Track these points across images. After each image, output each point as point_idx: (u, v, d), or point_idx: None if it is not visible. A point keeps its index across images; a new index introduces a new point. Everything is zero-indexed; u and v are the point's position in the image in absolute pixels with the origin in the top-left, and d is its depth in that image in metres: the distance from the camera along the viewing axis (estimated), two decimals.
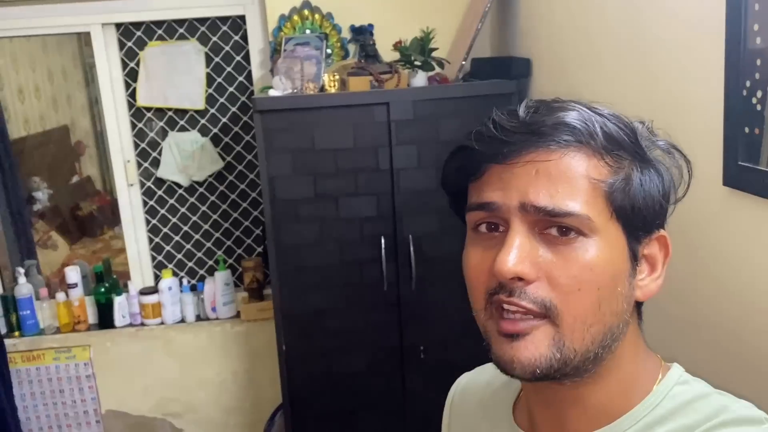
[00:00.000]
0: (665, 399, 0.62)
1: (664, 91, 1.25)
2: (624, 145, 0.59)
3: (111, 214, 3.94)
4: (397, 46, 2.08)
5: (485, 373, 0.82)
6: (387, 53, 2.16)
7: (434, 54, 2.05)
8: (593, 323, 0.58)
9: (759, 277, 1.01)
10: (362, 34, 2.24)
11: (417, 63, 2.04)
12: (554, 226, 0.57)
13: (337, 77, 2.00)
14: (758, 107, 0.96)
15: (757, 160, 0.98)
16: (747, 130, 0.99)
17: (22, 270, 2.49)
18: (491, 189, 0.60)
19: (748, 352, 1.06)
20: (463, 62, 2.04)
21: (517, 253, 0.57)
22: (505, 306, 0.58)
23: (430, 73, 2.07)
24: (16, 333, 2.49)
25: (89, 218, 4.20)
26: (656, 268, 0.63)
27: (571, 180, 0.57)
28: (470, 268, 0.62)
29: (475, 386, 0.82)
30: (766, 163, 0.96)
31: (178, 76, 2.43)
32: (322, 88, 2.02)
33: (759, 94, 0.96)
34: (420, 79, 2.04)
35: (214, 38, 2.45)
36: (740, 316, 1.07)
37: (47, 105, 4.32)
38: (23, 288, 2.46)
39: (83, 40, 4.10)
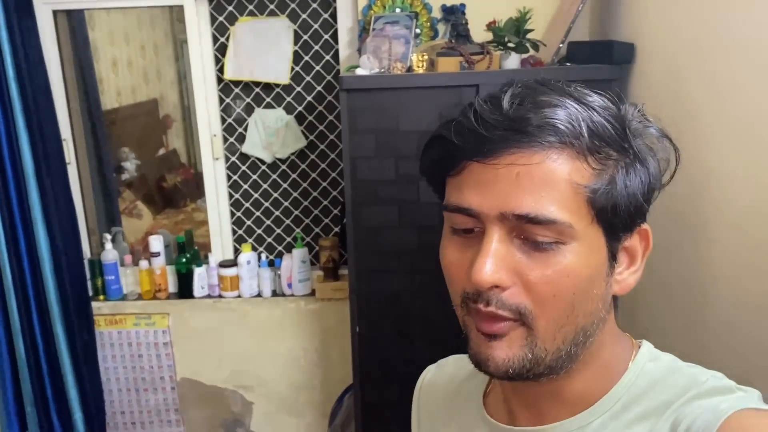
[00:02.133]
0: (638, 377, 0.63)
1: None
2: (611, 140, 0.57)
3: (194, 188, 4.05)
4: (491, 27, 2.00)
5: (448, 366, 0.83)
6: (479, 34, 2.09)
7: (529, 36, 1.96)
8: (565, 324, 0.58)
9: None
10: (453, 13, 2.17)
11: (510, 45, 1.96)
12: (534, 232, 0.56)
13: (425, 57, 1.95)
14: None
15: None
16: None
17: (108, 236, 2.58)
18: (469, 192, 0.58)
19: None
20: (561, 45, 1.94)
21: (494, 261, 0.56)
22: (480, 309, 0.59)
23: (524, 56, 1.98)
24: (101, 297, 2.59)
25: (173, 190, 4.33)
26: (635, 261, 0.63)
27: (553, 185, 0.55)
28: (447, 266, 0.62)
29: (441, 380, 0.83)
30: None
31: (266, 52, 2.43)
32: (410, 68, 1.96)
33: None
34: (513, 61, 1.95)
35: (304, 15, 2.43)
36: None
37: (139, 78, 4.47)
38: (109, 254, 2.55)
39: (175, 16, 4.21)
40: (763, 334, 1.20)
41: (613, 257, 0.60)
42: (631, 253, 0.62)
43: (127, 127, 4.12)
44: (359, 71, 1.96)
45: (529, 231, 0.56)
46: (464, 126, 0.58)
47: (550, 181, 0.55)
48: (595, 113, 0.57)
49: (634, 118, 0.60)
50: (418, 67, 1.93)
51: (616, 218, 0.58)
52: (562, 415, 0.64)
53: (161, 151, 4.52)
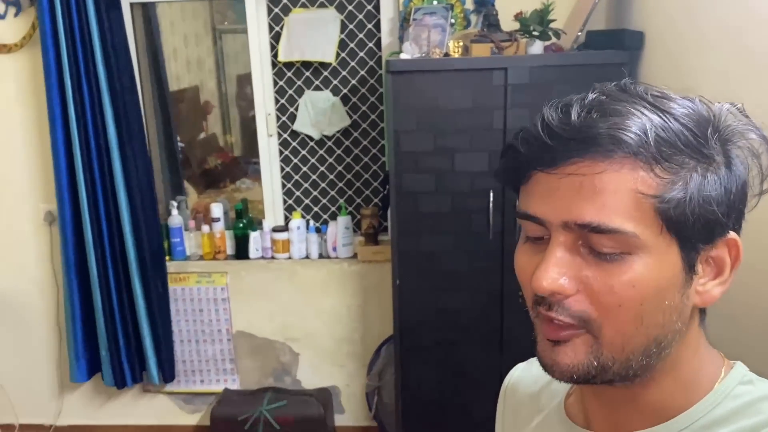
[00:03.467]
0: (726, 399, 0.60)
1: None
2: (686, 148, 0.55)
3: (233, 170, 4.34)
4: (518, 17, 2.28)
5: (536, 366, 0.80)
6: (507, 23, 2.36)
7: (552, 25, 2.23)
8: (634, 335, 0.57)
9: None
10: (485, 5, 2.45)
11: (535, 33, 2.23)
12: (598, 242, 0.56)
13: (460, 44, 2.23)
14: None
15: None
16: None
17: (174, 203, 2.91)
18: (535, 201, 0.59)
19: None
20: (579, 33, 2.21)
21: (555, 269, 0.57)
22: (545, 315, 0.60)
23: (547, 43, 2.25)
24: (167, 257, 2.91)
25: (214, 171, 4.64)
26: (722, 273, 0.60)
27: (617, 195, 0.55)
28: (519, 269, 0.63)
29: (528, 378, 0.83)
30: None
31: (315, 36, 2.72)
32: (447, 54, 2.25)
33: None
34: (537, 47, 2.23)
35: (350, 7, 2.72)
36: None
37: (182, 66, 4.77)
38: (175, 219, 2.88)
39: (215, 8, 4.51)
40: None
41: (690, 268, 0.58)
42: (717, 263, 0.60)
43: (174, 111, 4.43)
44: (402, 56, 2.25)
45: (593, 240, 0.56)
46: (532, 135, 0.58)
47: (613, 190, 0.54)
48: (671, 120, 0.55)
49: (729, 120, 0.58)
50: (455, 52, 2.22)
51: (691, 228, 0.56)
52: (637, 425, 0.63)
53: (202, 135, 4.84)
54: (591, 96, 0.58)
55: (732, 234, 0.59)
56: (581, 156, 0.55)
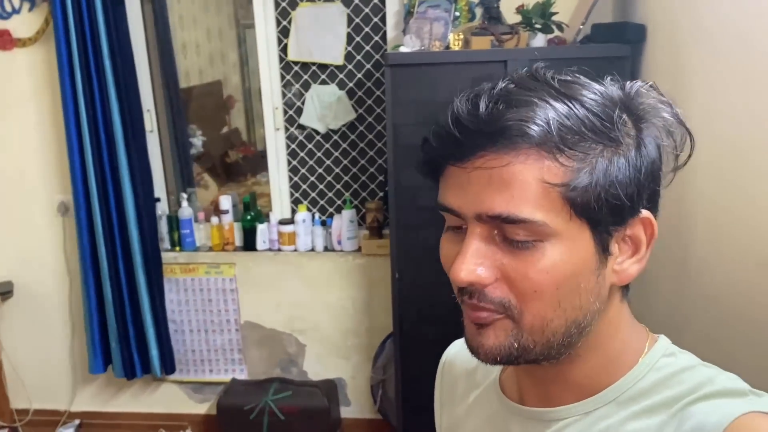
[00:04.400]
0: (651, 371, 0.63)
1: None
2: (590, 134, 0.57)
3: (254, 163, 4.39)
4: (519, 10, 2.26)
5: None
6: (510, 16, 2.34)
7: (554, 18, 2.21)
8: (553, 318, 0.59)
9: None
10: None
11: (537, 26, 2.21)
12: (511, 232, 0.58)
13: (461, 37, 2.22)
14: None
15: None
16: None
17: (185, 196, 2.96)
18: (451, 193, 0.61)
19: None
20: (581, 26, 2.18)
21: (472, 260, 0.59)
22: (467, 302, 0.62)
23: (549, 36, 2.23)
24: (177, 248, 2.96)
25: (235, 165, 4.69)
26: (639, 250, 0.62)
27: (524, 185, 0.56)
28: (443, 258, 0.66)
29: (464, 354, 0.83)
30: None
31: (323, 34, 2.75)
32: (447, 47, 2.24)
33: None
34: (539, 40, 2.20)
35: (356, 1, 2.73)
36: None
37: (205, 61, 4.82)
38: (185, 211, 2.92)
39: (238, 2, 4.56)
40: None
41: (604, 250, 0.59)
42: (634, 242, 0.61)
43: (195, 106, 4.48)
44: (402, 49, 2.25)
45: (506, 230, 0.58)
46: (443, 129, 0.59)
47: (520, 181, 0.56)
48: (577, 107, 0.57)
49: (641, 98, 0.60)
50: (455, 45, 2.21)
51: (599, 212, 0.57)
52: (568, 399, 0.66)
53: (224, 129, 4.90)
54: (501, 85, 0.60)
55: (645, 212, 0.60)
56: (488, 149, 0.57)
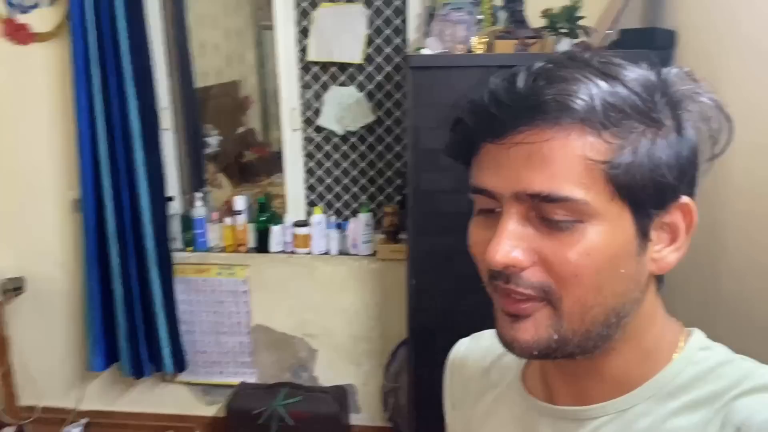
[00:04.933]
0: (688, 365, 0.61)
1: None
2: (633, 113, 0.55)
3: (269, 164, 4.37)
4: (545, 14, 2.21)
5: (484, 340, 0.82)
6: (535, 20, 2.29)
7: (581, 22, 2.16)
8: (594, 305, 0.57)
9: None
10: (513, 1, 2.38)
11: (563, 30, 2.16)
12: (550, 211, 0.55)
13: (485, 40, 2.17)
14: None
15: None
16: None
17: (198, 195, 2.93)
18: (486, 173, 0.58)
19: None
20: (609, 31, 2.13)
21: (508, 242, 0.56)
22: (502, 289, 0.59)
23: (575, 41, 2.17)
24: (190, 248, 2.93)
25: (250, 165, 4.67)
26: (677, 239, 0.59)
27: (565, 162, 0.54)
28: (473, 245, 0.62)
29: (476, 353, 0.81)
30: None
31: (343, 34, 2.71)
32: (470, 51, 2.19)
33: None
34: (564, 45, 2.15)
35: (378, 3, 2.69)
36: None
37: (223, 61, 4.82)
38: (199, 210, 2.89)
39: (257, 3, 4.55)
40: None
41: (644, 234, 0.57)
42: (672, 229, 0.59)
43: (211, 105, 4.48)
44: (424, 51, 2.21)
45: (545, 210, 0.55)
46: (478, 106, 0.58)
47: (562, 158, 0.54)
48: (619, 85, 0.55)
49: (678, 84, 0.58)
50: (478, 48, 2.16)
51: (643, 193, 0.55)
52: (602, 396, 0.63)
53: (240, 129, 4.89)
54: (538, 65, 0.58)
55: (685, 198, 0.58)
56: (528, 124, 0.55)
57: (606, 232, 0.55)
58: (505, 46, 2.14)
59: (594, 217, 0.55)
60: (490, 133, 0.57)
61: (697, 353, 0.62)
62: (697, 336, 0.64)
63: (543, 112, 0.54)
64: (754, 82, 1.48)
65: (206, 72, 4.51)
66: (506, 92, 0.56)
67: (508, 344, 0.60)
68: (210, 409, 3.09)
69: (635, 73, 0.56)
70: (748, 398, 0.55)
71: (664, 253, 0.59)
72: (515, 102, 0.55)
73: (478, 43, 2.16)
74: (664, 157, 0.55)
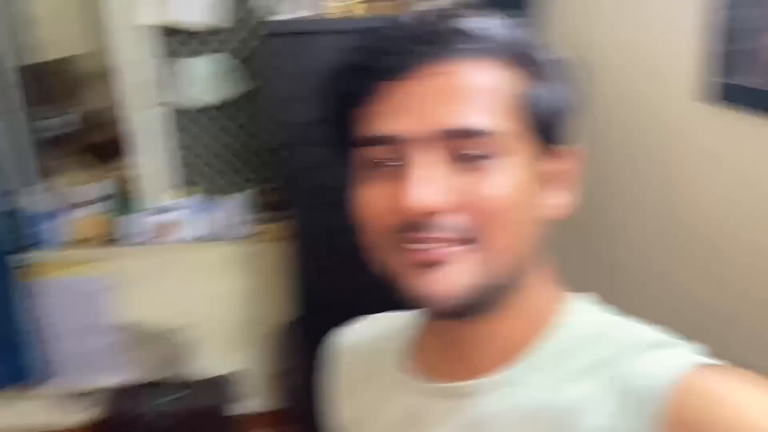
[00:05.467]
0: (577, 328, 0.60)
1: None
2: (527, 54, 0.56)
3: (123, 145, 4.04)
4: None
5: (363, 327, 0.79)
6: None
7: None
8: (511, 245, 0.55)
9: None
10: None
11: None
12: (465, 147, 0.53)
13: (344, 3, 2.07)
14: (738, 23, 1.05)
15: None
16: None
17: (43, 187, 2.63)
18: (389, 117, 0.54)
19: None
20: None
21: (425, 185, 0.52)
22: (418, 239, 0.54)
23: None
24: (39, 247, 2.64)
25: (104, 148, 4.31)
26: (571, 183, 0.61)
27: (480, 94, 0.53)
28: (366, 206, 0.57)
29: (354, 341, 0.78)
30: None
31: None
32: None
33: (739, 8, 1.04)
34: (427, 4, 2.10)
35: None
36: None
37: (57, 33, 4.35)
38: (38, 205, 2.60)
39: None
40: None
41: (544, 175, 0.57)
42: (568, 174, 0.60)
43: (58, 82, 4.05)
44: (279, 17, 2.07)
45: (460, 146, 0.52)
46: (370, 48, 0.54)
47: (471, 89, 0.52)
48: (518, 29, 0.56)
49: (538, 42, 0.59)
50: (335, 11, 2.06)
51: (547, 130, 0.56)
52: (491, 367, 0.60)
53: (86, 109, 4.48)
54: (416, 14, 0.57)
55: (572, 146, 0.60)
56: (434, 58, 0.52)
57: (518, 166, 0.54)
58: (367, 9, 2.05)
59: (507, 152, 0.54)
60: (390, 72, 0.53)
61: (587, 316, 0.61)
62: (585, 299, 0.63)
63: (447, 43, 0.52)
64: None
65: (42, 46, 4.07)
66: (399, 31, 0.54)
67: (425, 298, 0.55)
68: (80, 418, 2.84)
69: (516, 24, 0.57)
70: (635, 359, 0.54)
71: (560, 197, 0.60)
72: (413, 39, 0.53)
73: (334, 7, 2.05)
74: (559, 98, 0.57)
